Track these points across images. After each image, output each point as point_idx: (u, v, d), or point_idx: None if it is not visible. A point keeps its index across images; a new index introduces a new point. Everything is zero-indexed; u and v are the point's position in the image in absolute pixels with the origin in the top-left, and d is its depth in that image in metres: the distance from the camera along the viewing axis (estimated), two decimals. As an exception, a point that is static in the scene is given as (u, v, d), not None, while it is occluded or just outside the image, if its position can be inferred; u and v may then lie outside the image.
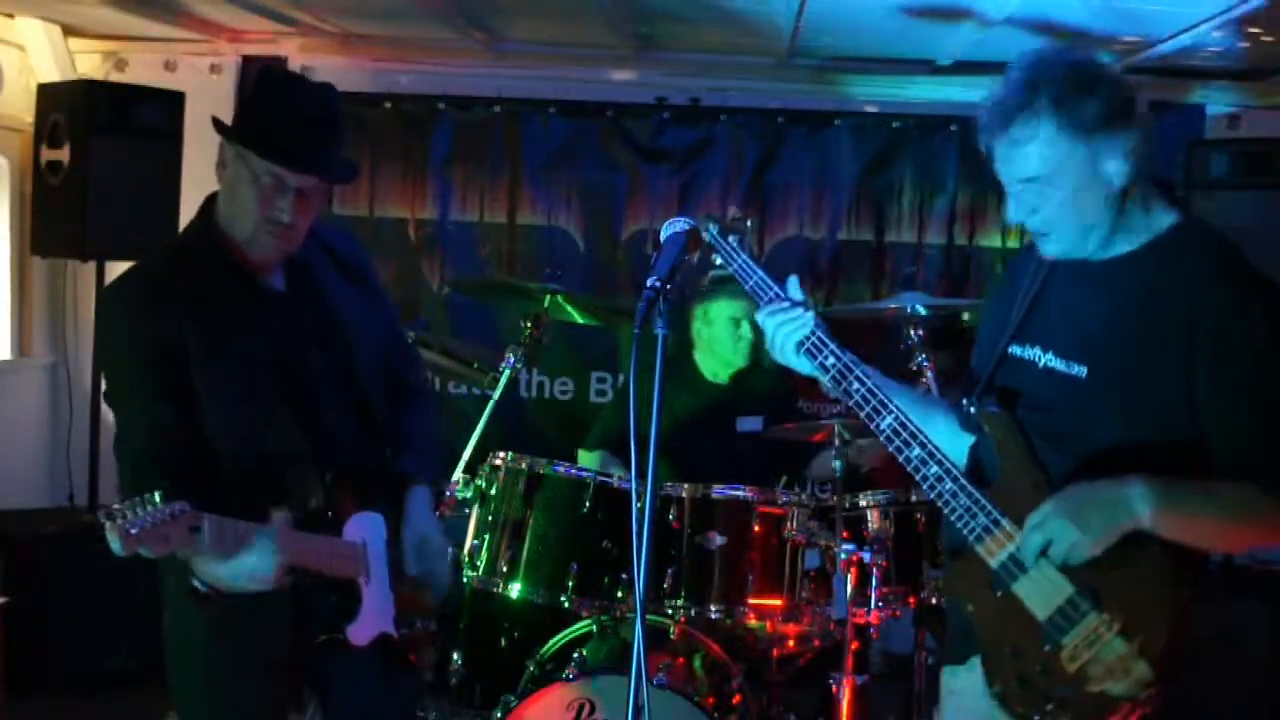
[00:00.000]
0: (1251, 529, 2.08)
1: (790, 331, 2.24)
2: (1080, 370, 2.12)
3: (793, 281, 2.32)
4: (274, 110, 2.43)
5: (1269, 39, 4.32)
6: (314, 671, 2.58)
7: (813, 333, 2.23)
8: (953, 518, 2.16)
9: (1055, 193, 2.06)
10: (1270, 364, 2.01)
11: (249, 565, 2.25)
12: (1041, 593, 2.08)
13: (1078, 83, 2.03)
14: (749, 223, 2.40)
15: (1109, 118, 2.03)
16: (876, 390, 2.20)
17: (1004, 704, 2.11)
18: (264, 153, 2.37)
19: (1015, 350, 2.24)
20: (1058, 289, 2.21)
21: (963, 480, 2.15)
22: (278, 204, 2.39)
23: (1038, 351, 2.20)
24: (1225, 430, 2.03)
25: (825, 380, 2.25)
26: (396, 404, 2.73)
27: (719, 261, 2.36)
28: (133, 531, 2.03)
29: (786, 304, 2.27)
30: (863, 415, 2.22)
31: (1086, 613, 2.05)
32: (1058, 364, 2.16)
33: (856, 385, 2.21)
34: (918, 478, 2.18)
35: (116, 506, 2.06)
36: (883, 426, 2.19)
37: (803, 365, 2.26)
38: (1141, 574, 2.03)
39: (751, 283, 2.33)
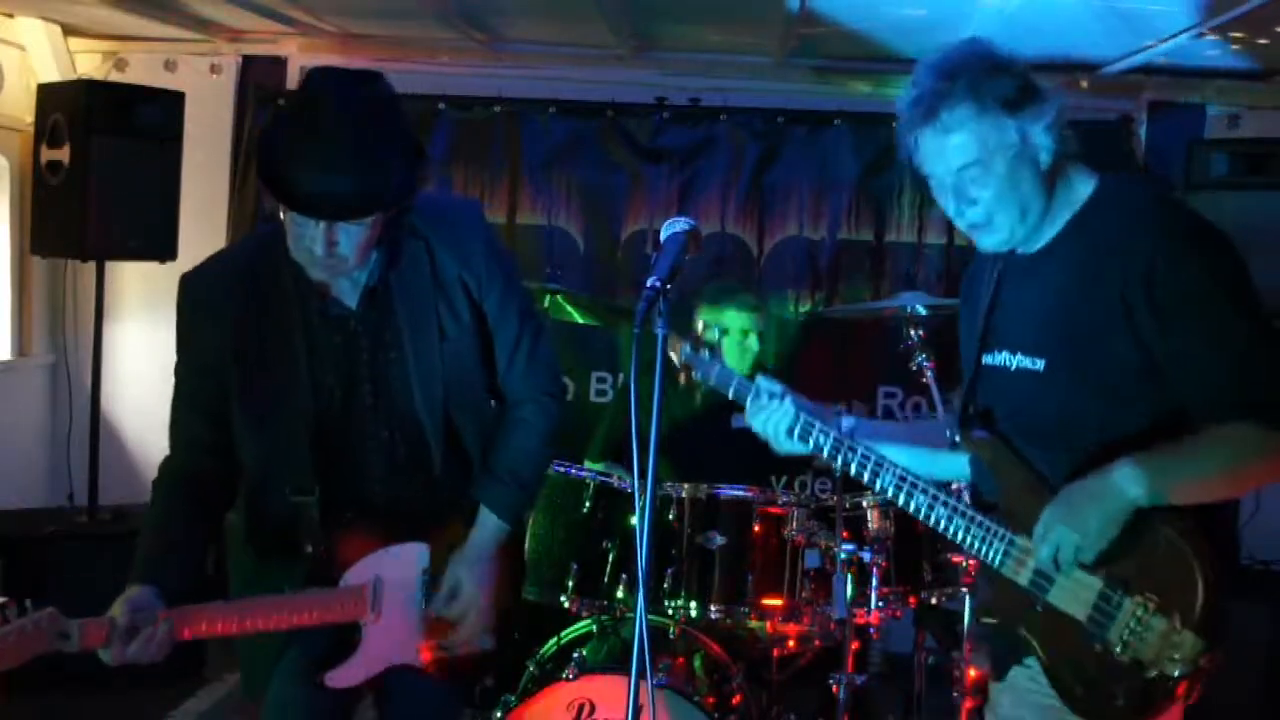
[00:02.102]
0: (1254, 467, 2.04)
1: (778, 423, 2.33)
2: (1040, 363, 2.14)
3: (760, 379, 2.40)
4: (294, 137, 2.21)
5: (1264, 41, 4.33)
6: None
7: (797, 418, 2.32)
8: (972, 550, 2.21)
9: (992, 175, 2.09)
10: (1215, 299, 2.00)
11: (133, 651, 2.21)
12: (1075, 596, 2.10)
13: (988, 66, 2.08)
14: (715, 332, 2.56)
15: (1025, 91, 2.07)
16: (870, 454, 2.29)
17: (1077, 712, 2.11)
18: (277, 197, 2.22)
19: (987, 359, 2.27)
20: (1010, 289, 2.24)
21: (971, 512, 2.20)
22: (308, 235, 2.23)
23: (1005, 355, 2.22)
24: (1193, 380, 2.02)
25: (823, 457, 2.34)
26: (497, 426, 2.61)
27: (696, 377, 2.52)
28: None
29: (765, 399, 2.36)
30: (864, 480, 2.30)
31: (1121, 602, 2.06)
32: (1025, 362, 2.18)
33: (849, 455, 2.31)
34: (929, 523, 2.25)
35: None
36: (884, 485, 2.28)
37: (802, 448, 2.35)
38: (1157, 548, 2.04)
39: (732, 388, 2.44)
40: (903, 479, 2.25)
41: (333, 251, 2.24)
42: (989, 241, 2.17)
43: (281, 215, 2.26)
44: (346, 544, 2.46)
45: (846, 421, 2.37)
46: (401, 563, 2.50)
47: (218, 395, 2.42)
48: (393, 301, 2.41)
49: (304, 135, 2.19)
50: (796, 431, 2.32)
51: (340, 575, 2.45)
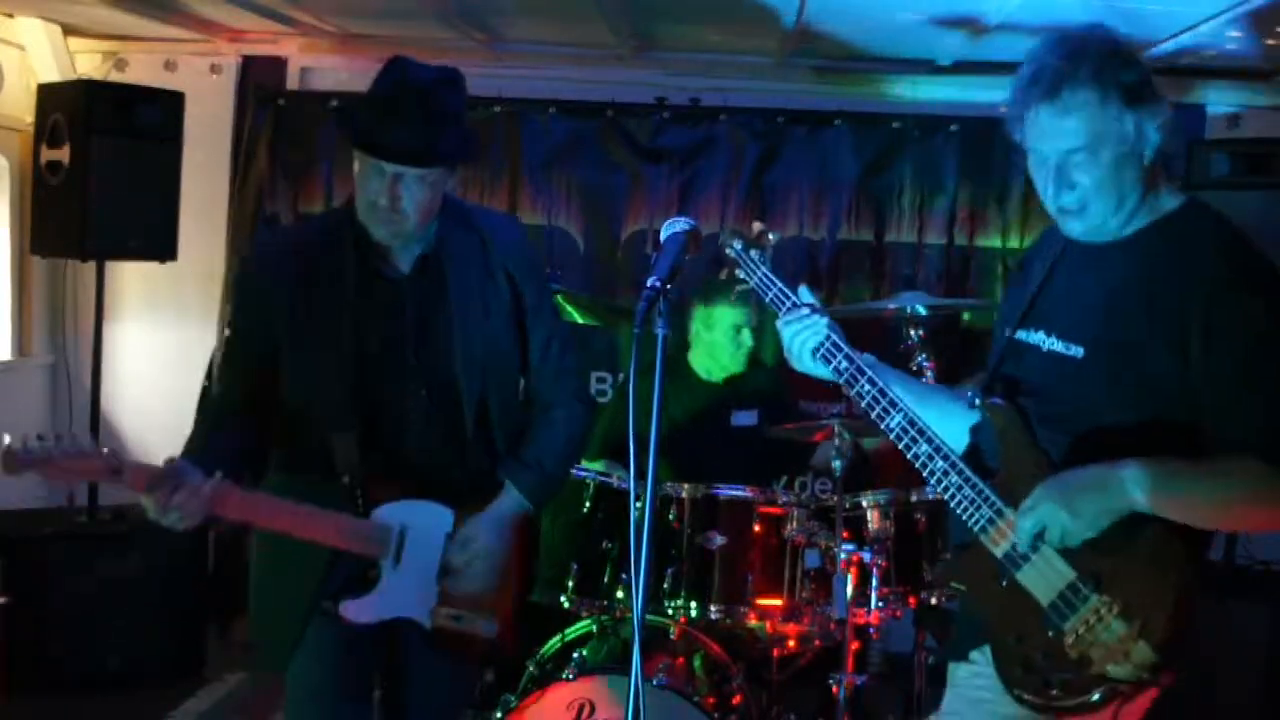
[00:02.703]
0: (1254, 507, 2.06)
1: (806, 338, 2.33)
2: (1078, 350, 2.14)
3: (804, 290, 2.41)
4: (372, 98, 2.50)
5: (1272, 41, 4.32)
6: (382, 646, 2.64)
7: (827, 338, 2.32)
8: (958, 510, 2.20)
9: (1098, 163, 2.07)
10: (1266, 340, 2.00)
11: (178, 500, 2.34)
12: (1044, 579, 2.10)
13: (1116, 54, 2.07)
14: (771, 236, 2.51)
15: (1146, 86, 2.06)
16: (885, 391, 2.28)
17: (1009, 689, 2.12)
18: (353, 140, 2.49)
19: (1020, 335, 2.26)
20: (1064, 274, 2.23)
21: (968, 473, 2.19)
22: (374, 188, 2.46)
23: (1041, 335, 2.22)
24: (1223, 409, 2.02)
25: (840, 381, 2.33)
26: (528, 418, 2.75)
27: (741, 275, 2.49)
28: (16, 451, 2.20)
29: (804, 311, 2.36)
30: (873, 415, 2.29)
31: (1088, 597, 2.06)
32: (1058, 346, 2.18)
33: (866, 387, 2.30)
34: (924, 472, 2.24)
35: (38, 435, 2.25)
36: (892, 425, 2.26)
37: (819, 370, 2.35)
38: (1142, 556, 2.04)
39: (771, 294, 2.43)
40: (910, 423, 2.24)
41: (396, 206, 2.46)
42: (1076, 227, 2.15)
43: (356, 174, 2.50)
44: (380, 485, 2.56)
45: (868, 357, 2.35)
46: (428, 519, 2.60)
47: (264, 354, 2.58)
48: (445, 274, 2.60)
49: (386, 96, 2.49)
50: (822, 351, 2.31)
51: (370, 512, 2.55)
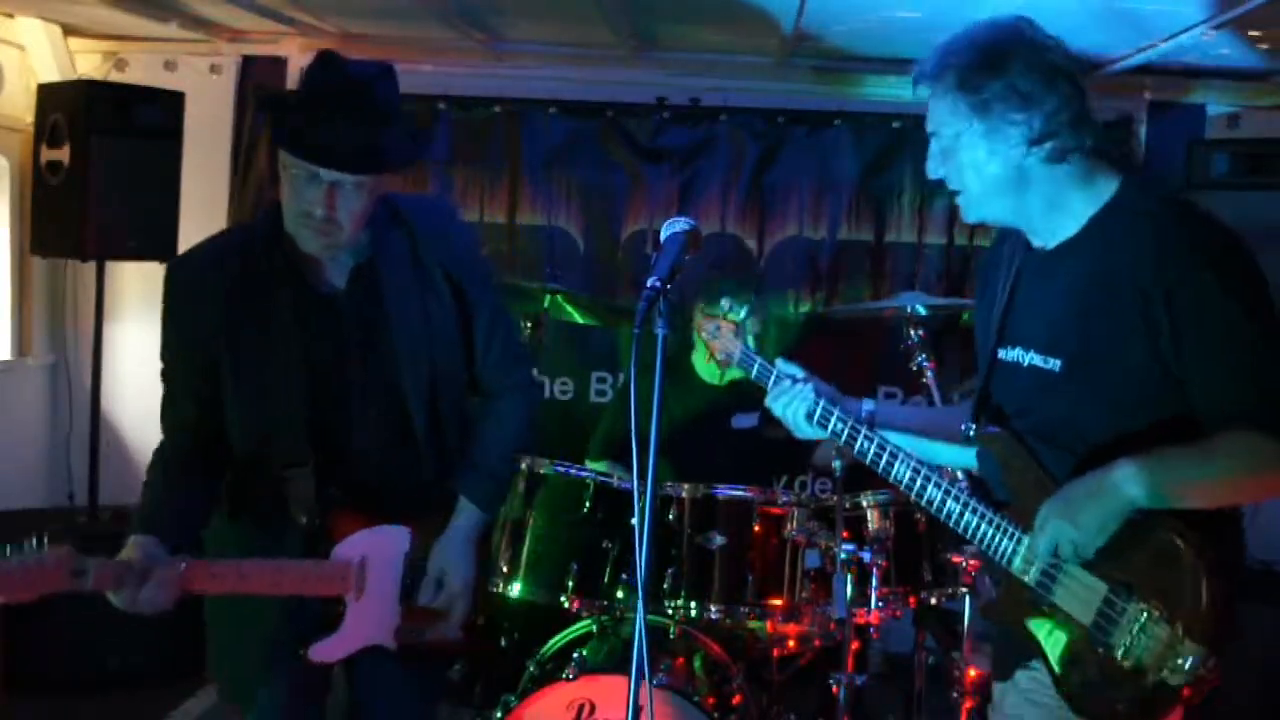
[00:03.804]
0: (1255, 477, 2.04)
1: (797, 407, 2.36)
2: (1055, 363, 2.14)
3: (780, 362, 2.45)
4: (303, 100, 2.35)
5: (1265, 46, 4.32)
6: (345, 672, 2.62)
7: (816, 404, 2.35)
8: (982, 546, 2.21)
9: (952, 154, 2.16)
10: (1230, 310, 2.00)
11: (145, 596, 2.27)
12: (1079, 598, 2.09)
13: (983, 64, 2.10)
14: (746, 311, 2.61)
15: (1010, 93, 2.08)
16: (885, 445, 2.31)
17: (1079, 714, 2.11)
18: (285, 145, 2.33)
19: (1002, 354, 2.27)
20: (1027, 285, 2.24)
21: (980, 508, 2.21)
22: (308, 197, 2.32)
23: (1020, 352, 2.22)
24: (1206, 389, 2.02)
25: (840, 444, 2.36)
26: (476, 413, 2.69)
27: (719, 357, 2.63)
28: None
29: (787, 383, 2.39)
30: (879, 470, 2.32)
31: (1125, 607, 2.05)
32: (1038, 360, 2.18)
33: (866, 444, 2.32)
34: (940, 517, 2.25)
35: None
36: (899, 476, 2.29)
37: (819, 433, 2.38)
38: (1161, 554, 2.03)
39: (754, 372, 2.48)
40: (917, 470, 2.26)
41: (332, 216, 2.32)
42: (968, 213, 2.23)
43: (281, 180, 2.35)
44: (337, 519, 2.50)
45: (867, 404, 2.39)
46: (386, 544, 2.54)
47: (206, 379, 2.46)
48: (379, 283, 2.49)
49: (320, 95, 2.33)
50: (816, 416, 2.34)
51: (329, 550, 2.48)
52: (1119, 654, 2.05)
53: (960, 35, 2.15)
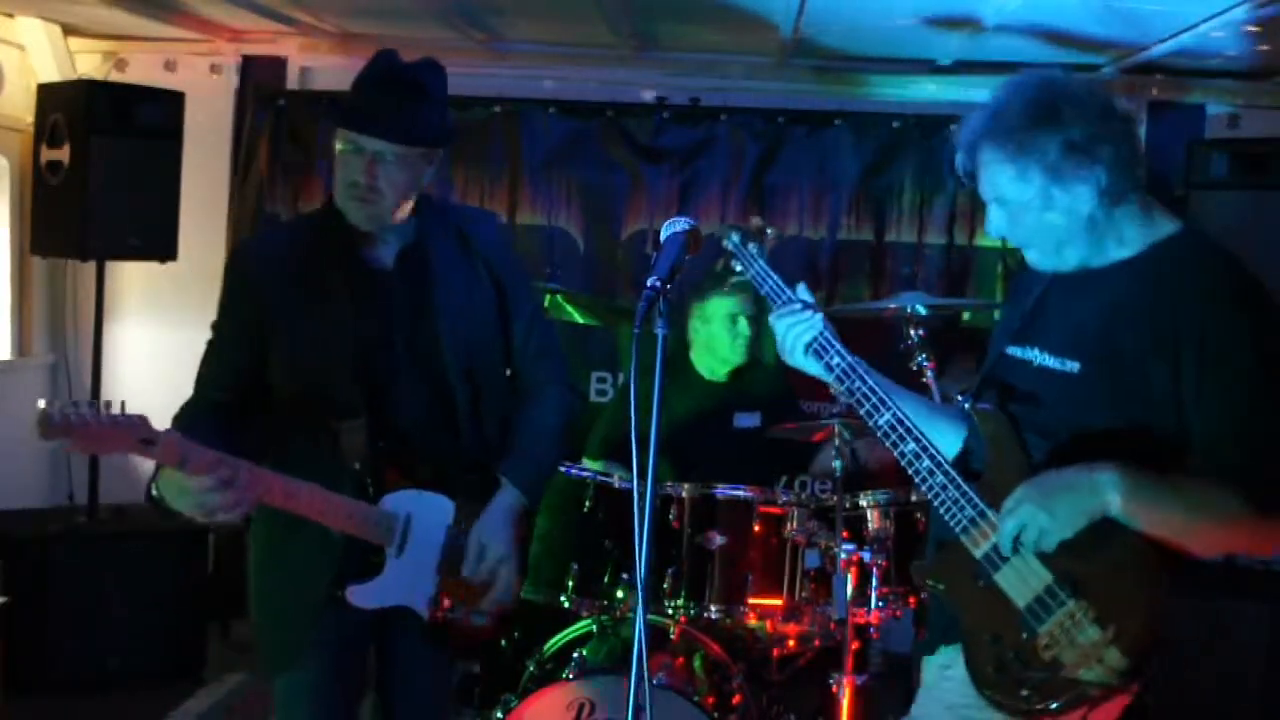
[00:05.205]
0: (1221, 532, 2.08)
1: (800, 333, 2.33)
2: (1073, 366, 2.16)
3: (801, 286, 2.41)
4: (359, 83, 2.57)
5: (1266, 47, 4.32)
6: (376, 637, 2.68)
7: (820, 334, 2.32)
8: (941, 509, 2.21)
9: (1021, 217, 2.16)
10: (1256, 375, 2.03)
11: (194, 484, 2.32)
12: (1022, 582, 2.12)
13: (1038, 119, 2.09)
14: (770, 232, 2.52)
15: (1072, 150, 2.08)
16: (876, 389, 2.28)
17: (980, 689, 2.14)
18: (335, 117, 2.55)
19: (1012, 351, 2.29)
20: (1058, 296, 2.26)
21: (953, 474, 2.21)
22: (353, 167, 2.50)
23: (1034, 352, 2.24)
24: (1210, 435, 2.05)
25: (830, 379, 2.33)
26: (517, 402, 2.79)
27: (738, 268, 2.49)
28: (52, 415, 2.15)
29: (797, 306, 2.36)
30: (862, 412, 2.29)
31: (1064, 601, 2.08)
32: (1050, 361, 2.20)
33: (858, 384, 2.29)
34: (910, 471, 2.25)
35: (73, 401, 2.18)
36: (880, 423, 2.27)
37: (811, 366, 2.34)
38: (1120, 563, 2.06)
39: (766, 288, 2.43)
40: (899, 422, 2.25)
41: (373, 184, 2.50)
42: (1031, 260, 2.24)
43: (335, 158, 2.54)
44: (388, 471, 2.58)
45: (860, 360, 2.37)
46: (432, 510, 2.62)
47: (251, 352, 2.59)
48: (428, 267, 2.64)
49: (372, 80, 2.56)
50: (815, 346, 2.32)
51: (378, 499, 2.57)
52: (1043, 643, 2.07)
53: (999, 100, 2.16)
